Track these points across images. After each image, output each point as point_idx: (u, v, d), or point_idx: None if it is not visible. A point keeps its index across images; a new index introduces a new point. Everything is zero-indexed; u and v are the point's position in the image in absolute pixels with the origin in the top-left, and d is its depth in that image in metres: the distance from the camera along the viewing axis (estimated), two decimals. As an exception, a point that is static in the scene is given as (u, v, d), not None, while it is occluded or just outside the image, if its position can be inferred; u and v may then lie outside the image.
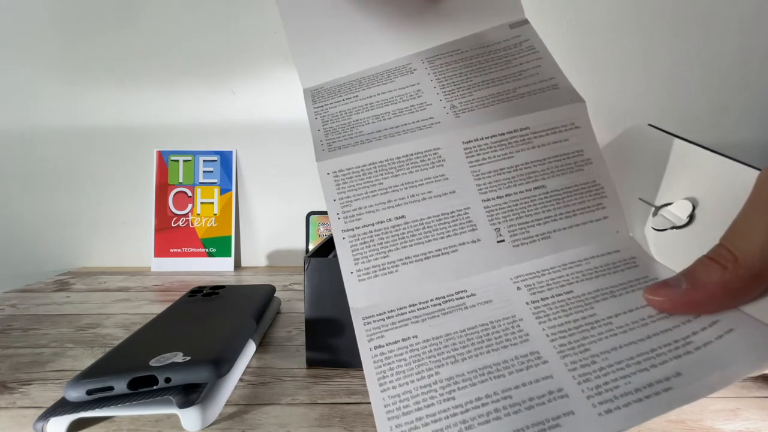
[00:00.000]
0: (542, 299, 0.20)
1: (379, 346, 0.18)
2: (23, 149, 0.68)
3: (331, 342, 0.32)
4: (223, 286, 0.44)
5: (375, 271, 0.20)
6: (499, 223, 0.22)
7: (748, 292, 0.16)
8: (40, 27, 0.65)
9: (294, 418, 0.26)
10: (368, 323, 0.19)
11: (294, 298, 0.51)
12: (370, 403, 0.27)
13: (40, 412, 0.25)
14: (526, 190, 0.22)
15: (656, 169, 0.24)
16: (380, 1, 0.26)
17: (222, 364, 0.26)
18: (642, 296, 0.19)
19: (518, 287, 0.20)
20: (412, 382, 0.17)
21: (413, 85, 0.25)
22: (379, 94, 0.25)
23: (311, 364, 0.32)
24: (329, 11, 0.26)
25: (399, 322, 0.19)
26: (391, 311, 0.19)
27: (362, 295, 0.20)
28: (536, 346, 0.18)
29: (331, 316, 0.31)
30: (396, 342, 0.18)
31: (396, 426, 0.16)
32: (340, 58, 0.26)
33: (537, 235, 0.21)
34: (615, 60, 0.66)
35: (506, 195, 0.22)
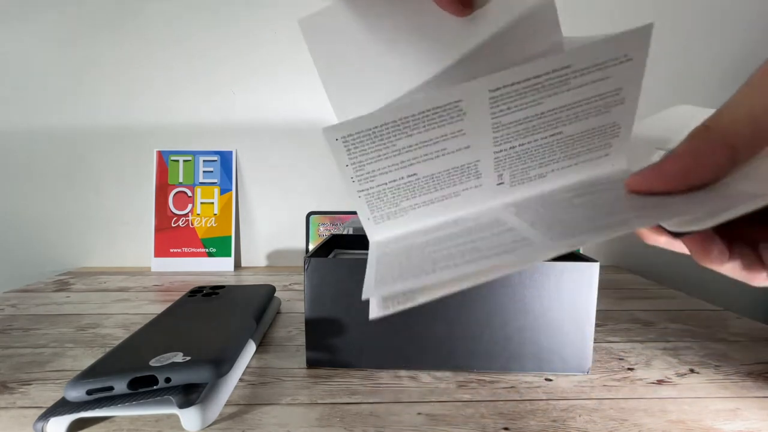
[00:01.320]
0: (524, 198, 0.23)
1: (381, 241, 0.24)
2: (23, 149, 0.68)
3: (331, 342, 0.32)
4: (223, 286, 0.44)
5: (388, 216, 0.24)
6: (504, 169, 0.23)
7: (717, 157, 0.16)
8: (40, 26, 0.66)
9: (294, 418, 0.26)
10: (380, 246, 0.23)
11: (294, 298, 0.51)
12: (370, 403, 0.28)
13: (40, 412, 0.25)
14: (542, 138, 0.22)
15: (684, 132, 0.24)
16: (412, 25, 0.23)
17: (222, 364, 0.26)
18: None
19: (505, 204, 0.23)
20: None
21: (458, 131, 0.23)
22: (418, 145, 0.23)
23: (311, 364, 0.32)
24: (360, 42, 0.23)
25: (402, 238, 0.24)
26: (398, 238, 0.24)
27: (378, 232, 0.24)
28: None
29: (331, 316, 0.31)
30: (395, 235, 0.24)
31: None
32: (371, 88, 0.24)
33: (534, 175, 0.23)
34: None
35: (519, 145, 0.22)
